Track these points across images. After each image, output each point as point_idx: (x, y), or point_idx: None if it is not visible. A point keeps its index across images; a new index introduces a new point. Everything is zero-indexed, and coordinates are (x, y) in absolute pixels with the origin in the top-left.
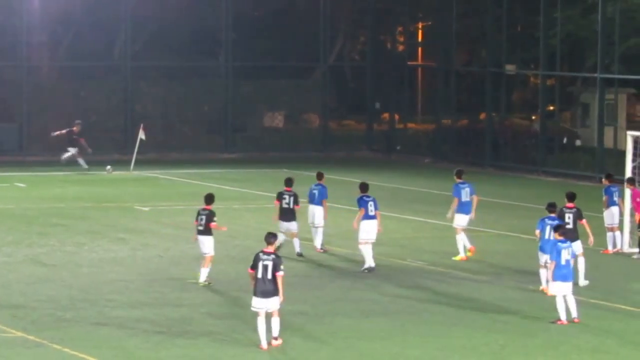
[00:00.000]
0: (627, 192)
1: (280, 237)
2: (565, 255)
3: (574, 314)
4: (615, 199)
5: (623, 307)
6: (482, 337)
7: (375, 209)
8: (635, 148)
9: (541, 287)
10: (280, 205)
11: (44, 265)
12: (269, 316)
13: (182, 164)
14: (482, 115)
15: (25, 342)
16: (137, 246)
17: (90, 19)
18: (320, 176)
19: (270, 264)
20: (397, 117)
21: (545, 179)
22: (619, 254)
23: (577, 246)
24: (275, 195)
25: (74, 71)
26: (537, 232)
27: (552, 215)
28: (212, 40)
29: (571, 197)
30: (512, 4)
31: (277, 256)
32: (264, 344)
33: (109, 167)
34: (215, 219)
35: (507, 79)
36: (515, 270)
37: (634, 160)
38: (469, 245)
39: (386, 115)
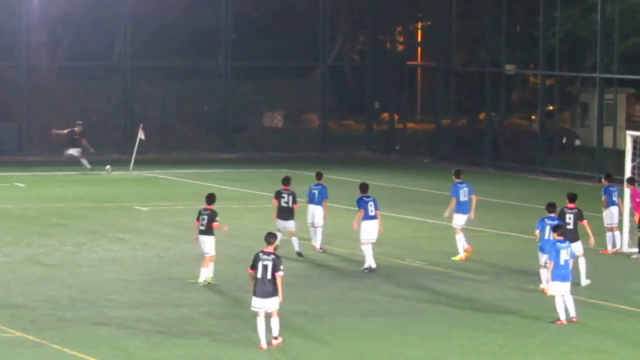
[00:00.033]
0: (627, 192)
1: (279, 236)
2: (564, 256)
3: (572, 313)
4: (615, 198)
5: (622, 307)
6: (482, 337)
7: (376, 209)
8: (634, 148)
9: (541, 286)
10: (279, 204)
11: (44, 265)
12: (268, 316)
13: (181, 164)
14: (482, 115)
15: (24, 342)
16: (136, 246)
17: (90, 19)
18: (319, 176)
19: (270, 264)
20: (396, 117)
21: (544, 178)
22: (619, 254)
23: (578, 247)
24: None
25: (73, 71)
26: (537, 232)
27: (552, 215)
28: (212, 40)
29: (572, 197)
30: (512, 3)
31: (277, 256)
32: (263, 343)
33: (108, 167)
34: (217, 218)
35: (506, 79)
36: (515, 270)
37: (633, 160)
38: (466, 246)
39: (386, 115)
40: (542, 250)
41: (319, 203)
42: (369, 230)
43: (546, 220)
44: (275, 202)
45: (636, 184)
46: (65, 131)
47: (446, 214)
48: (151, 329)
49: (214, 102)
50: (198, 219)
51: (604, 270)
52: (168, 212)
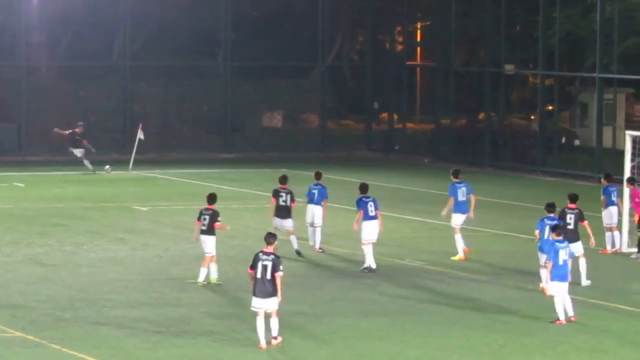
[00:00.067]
0: (627, 191)
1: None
2: (562, 256)
3: (570, 312)
4: (614, 198)
5: (622, 307)
6: (481, 337)
7: (376, 209)
8: (634, 148)
9: (541, 285)
10: (277, 202)
11: (43, 265)
12: (267, 316)
13: (181, 164)
14: (481, 115)
15: (24, 342)
16: (136, 246)
17: (89, 19)
18: (318, 176)
19: (269, 264)
20: (396, 117)
21: (544, 178)
22: (618, 254)
23: (578, 247)
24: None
25: (73, 71)
26: (537, 232)
27: (552, 215)
28: (212, 40)
29: (573, 198)
30: (511, 3)
31: (277, 256)
32: (263, 343)
33: (107, 166)
34: (219, 218)
35: (506, 79)
36: (514, 270)
37: (632, 160)
38: (464, 246)
39: (385, 115)
40: (542, 250)
41: (318, 203)
42: (370, 231)
43: (546, 220)
44: (273, 201)
45: (636, 184)
46: (67, 132)
47: (444, 212)
48: (150, 329)
49: (213, 102)
50: (199, 219)
51: (603, 270)
52: (167, 212)
